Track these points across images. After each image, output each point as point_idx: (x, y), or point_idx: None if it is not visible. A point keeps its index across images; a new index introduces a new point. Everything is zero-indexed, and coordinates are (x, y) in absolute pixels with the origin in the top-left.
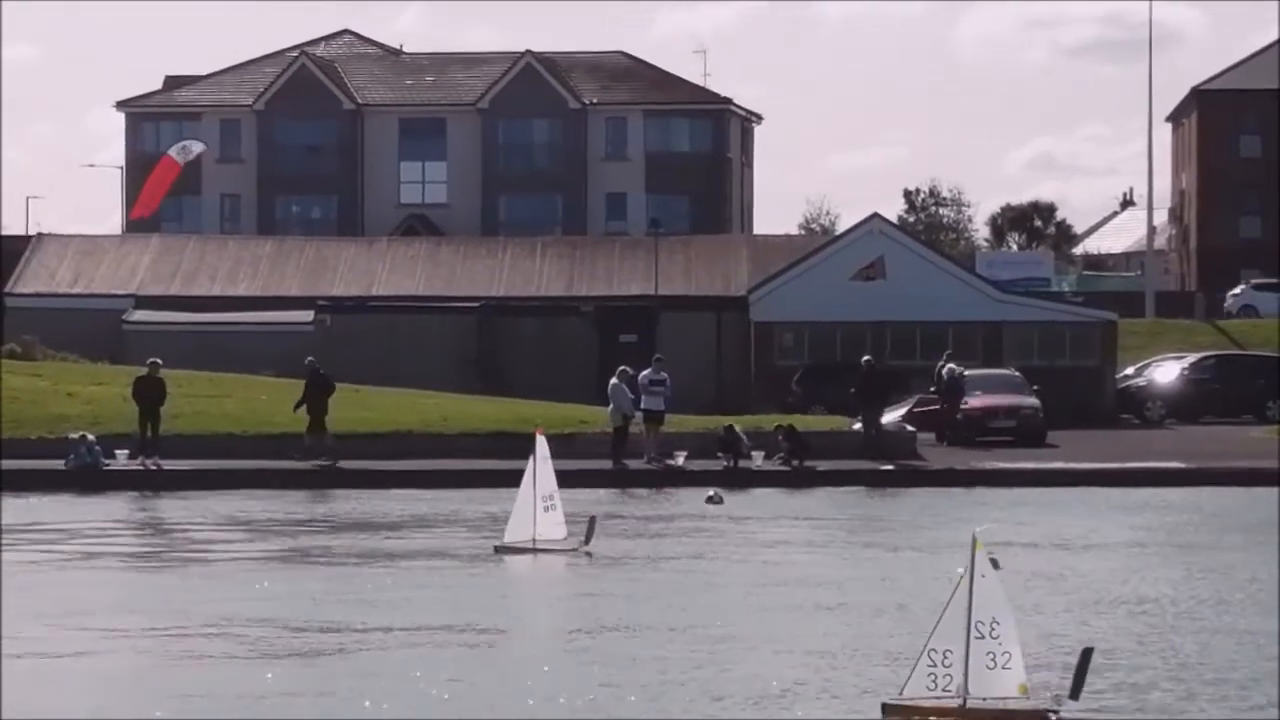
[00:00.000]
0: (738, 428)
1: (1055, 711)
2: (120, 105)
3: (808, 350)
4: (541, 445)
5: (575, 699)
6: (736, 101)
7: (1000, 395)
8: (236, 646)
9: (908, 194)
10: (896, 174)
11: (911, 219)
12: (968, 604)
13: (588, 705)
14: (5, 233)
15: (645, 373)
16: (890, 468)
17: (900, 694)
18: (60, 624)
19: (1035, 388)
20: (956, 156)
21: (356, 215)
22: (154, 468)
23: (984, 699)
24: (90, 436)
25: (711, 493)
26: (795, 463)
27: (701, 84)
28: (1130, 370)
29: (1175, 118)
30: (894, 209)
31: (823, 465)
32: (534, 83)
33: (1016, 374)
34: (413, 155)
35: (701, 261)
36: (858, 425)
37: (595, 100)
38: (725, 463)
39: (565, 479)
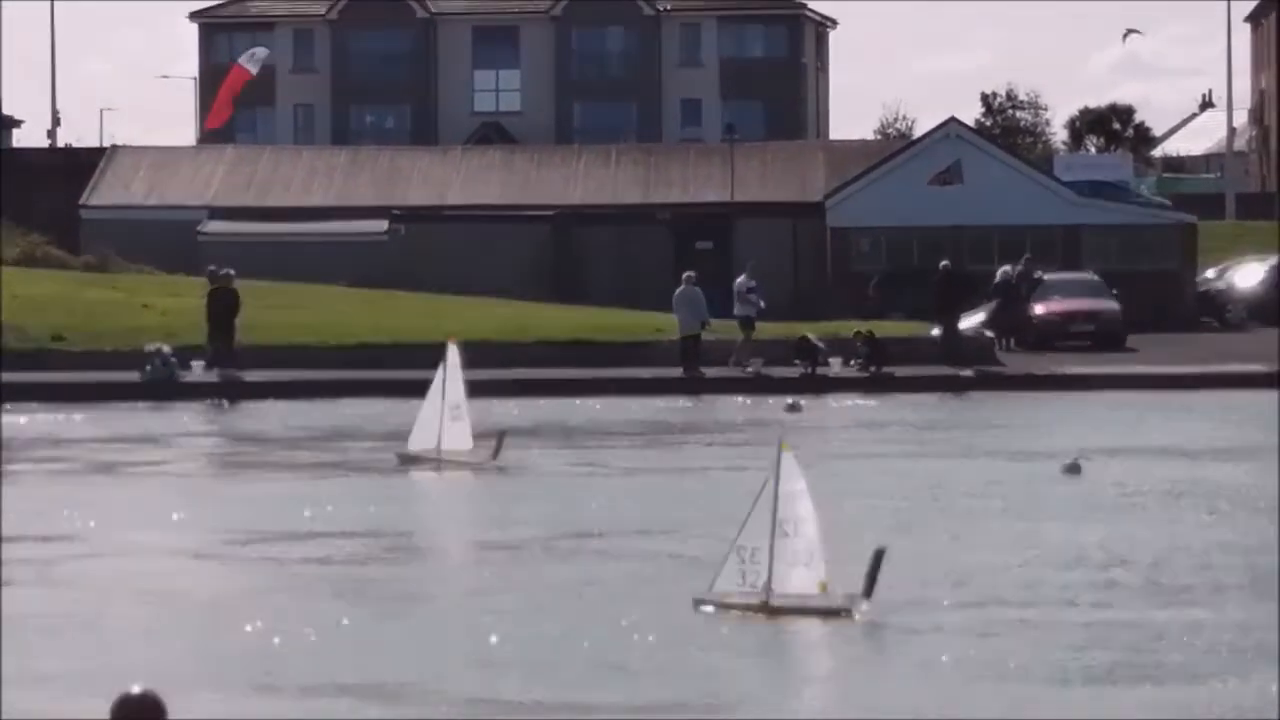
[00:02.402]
0: (813, 335)
1: (848, 609)
2: (194, 16)
3: (885, 256)
4: (453, 354)
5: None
6: (810, 6)
7: (1079, 299)
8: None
9: (985, 98)
10: (973, 78)
11: (989, 123)
12: (773, 504)
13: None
14: (80, 145)
15: (739, 279)
16: (969, 373)
17: (710, 589)
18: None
19: (1114, 291)
20: (1035, 59)
21: (430, 124)
22: (230, 379)
23: (786, 595)
24: (166, 348)
25: (790, 400)
26: (873, 369)
27: None
28: (1210, 273)
29: (1255, 18)
30: (971, 113)
31: (901, 371)
32: None
33: (1095, 278)
34: (486, 63)
35: (777, 168)
36: (936, 331)
37: (668, 7)
38: (802, 370)
39: (638, 386)
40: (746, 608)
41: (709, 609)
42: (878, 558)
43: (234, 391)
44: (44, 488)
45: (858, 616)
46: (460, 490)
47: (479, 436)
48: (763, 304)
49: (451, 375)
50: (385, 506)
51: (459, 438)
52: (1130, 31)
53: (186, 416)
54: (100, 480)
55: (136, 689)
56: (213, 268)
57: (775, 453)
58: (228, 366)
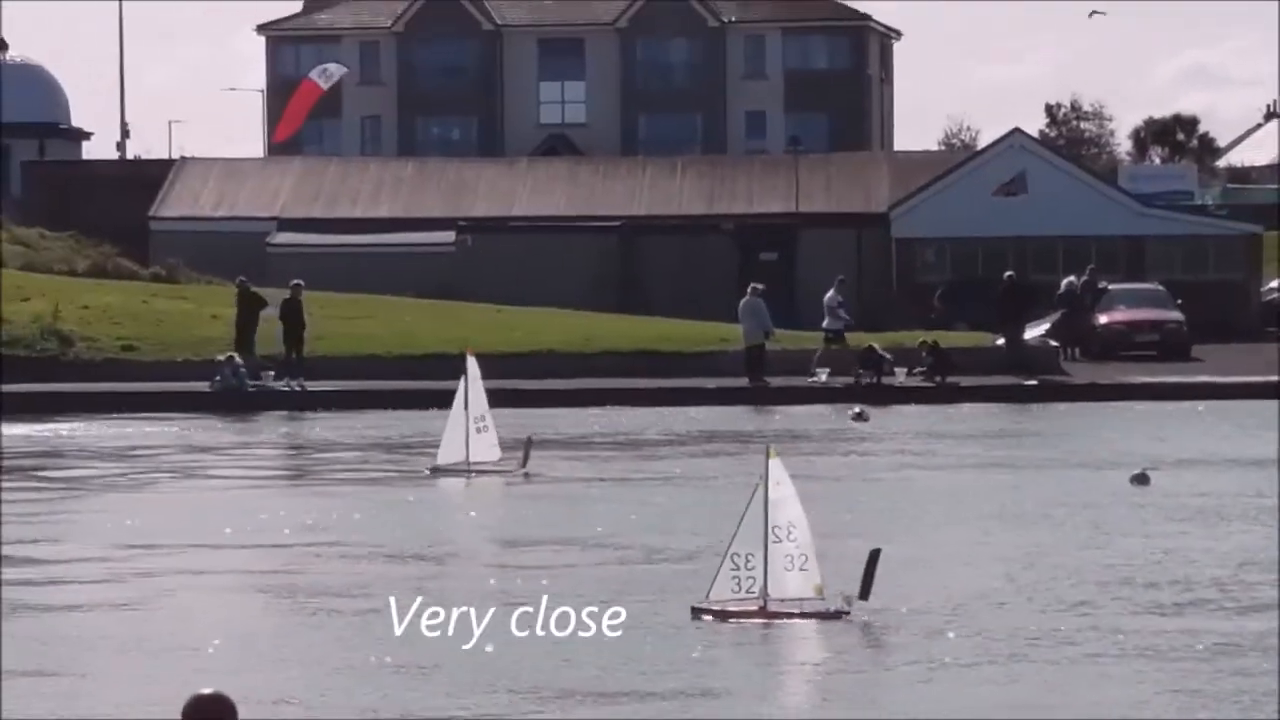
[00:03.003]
0: (879, 346)
1: (846, 611)
2: (261, 29)
3: (949, 266)
4: (472, 366)
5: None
6: (875, 18)
7: (1143, 309)
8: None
9: (1049, 109)
10: (1038, 89)
11: (1053, 134)
12: (764, 510)
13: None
14: (149, 157)
15: (829, 294)
16: (1033, 383)
17: (706, 598)
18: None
19: (1179, 302)
20: (1100, 70)
21: (496, 136)
22: (298, 389)
23: (782, 599)
24: (237, 358)
25: (858, 409)
26: (938, 379)
27: (840, 1)
28: (1275, 284)
29: None
30: (1035, 124)
31: (965, 381)
32: (672, 1)
33: (1160, 288)
34: (552, 75)
35: (842, 179)
36: (1000, 341)
37: (734, 18)
38: (868, 380)
39: (703, 397)
40: (744, 614)
41: (707, 617)
42: (873, 560)
43: (303, 401)
44: (135, 497)
45: (854, 617)
46: (481, 499)
47: (508, 447)
48: (849, 319)
49: (473, 387)
50: (393, 516)
51: (485, 448)
52: (1095, 13)
53: (247, 426)
54: (175, 489)
55: (208, 690)
56: (296, 282)
57: (765, 460)
58: (297, 376)
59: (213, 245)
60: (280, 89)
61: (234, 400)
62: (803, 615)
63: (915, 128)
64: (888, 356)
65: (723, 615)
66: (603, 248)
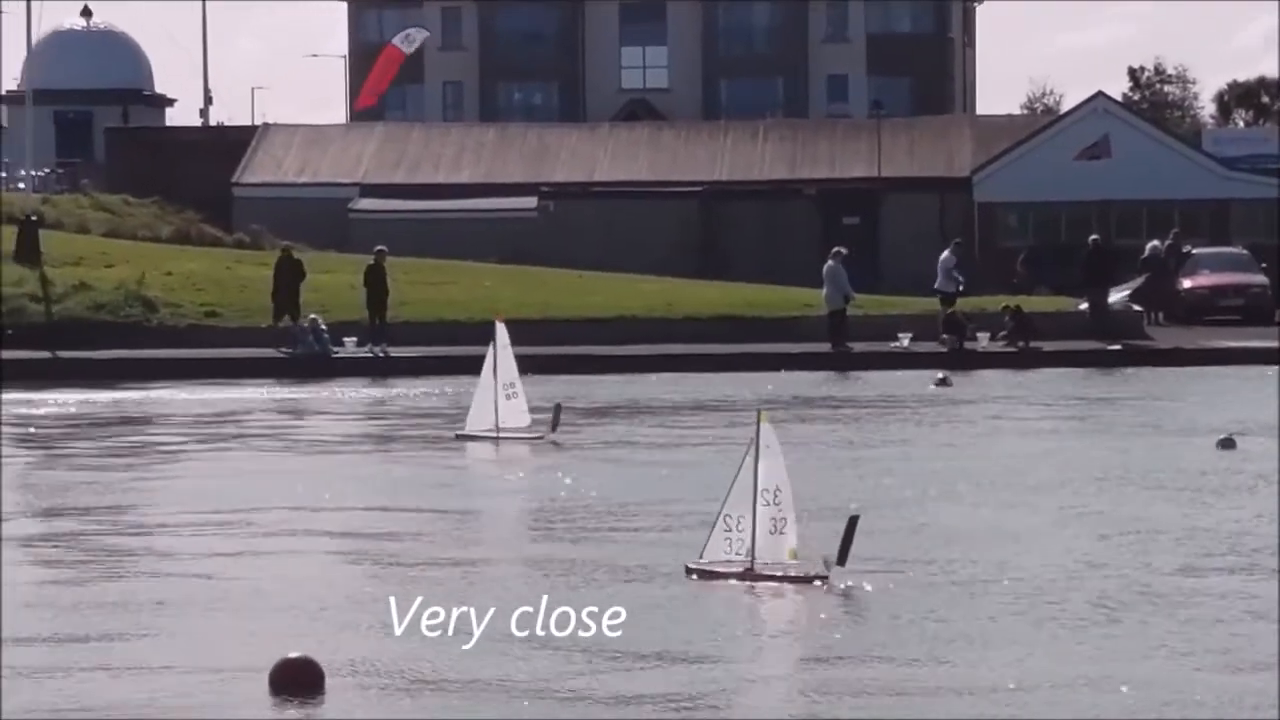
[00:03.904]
0: (961, 310)
1: (824, 576)
2: None
3: (1032, 231)
4: (501, 333)
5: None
6: None
7: (1227, 273)
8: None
9: (1132, 72)
10: (1121, 52)
11: (1136, 97)
12: (753, 473)
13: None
14: (231, 124)
15: (945, 255)
16: (1117, 348)
17: (700, 557)
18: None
19: (1263, 265)
20: (1183, 33)
21: (578, 101)
22: (382, 355)
23: (766, 562)
24: (321, 323)
25: (940, 375)
26: (1021, 344)
27: None
28: None
29: None
30: (1118, 88)
31: (1048, 346)
32: None
33: (1244, 252)
34: (633, 40)
35: (924, 143)
36: (1084, 305)
37: None
38: (950, 345)
39: (787, 361)
40: (730, 575)
41: (695, 577)
42: (851, 525)
43: (383, 367)
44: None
45: (832, 582)
46: (508, 464)
47: (537, 411)
48: (963, 281)
49: (502, 354)
50: (412, 480)
51: (515, 415)
52: None
53: (325, 391)
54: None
55: (295, 654)
56: (380, 248)
57: (756, 426)
58: (380, 342)
59: (295, 211)
60: (363, 55)
61: (317, 365)
62: (784, 579)
63: (998, 91)
64: (970, 321)
65: (710, 575)
66: (684, 213)
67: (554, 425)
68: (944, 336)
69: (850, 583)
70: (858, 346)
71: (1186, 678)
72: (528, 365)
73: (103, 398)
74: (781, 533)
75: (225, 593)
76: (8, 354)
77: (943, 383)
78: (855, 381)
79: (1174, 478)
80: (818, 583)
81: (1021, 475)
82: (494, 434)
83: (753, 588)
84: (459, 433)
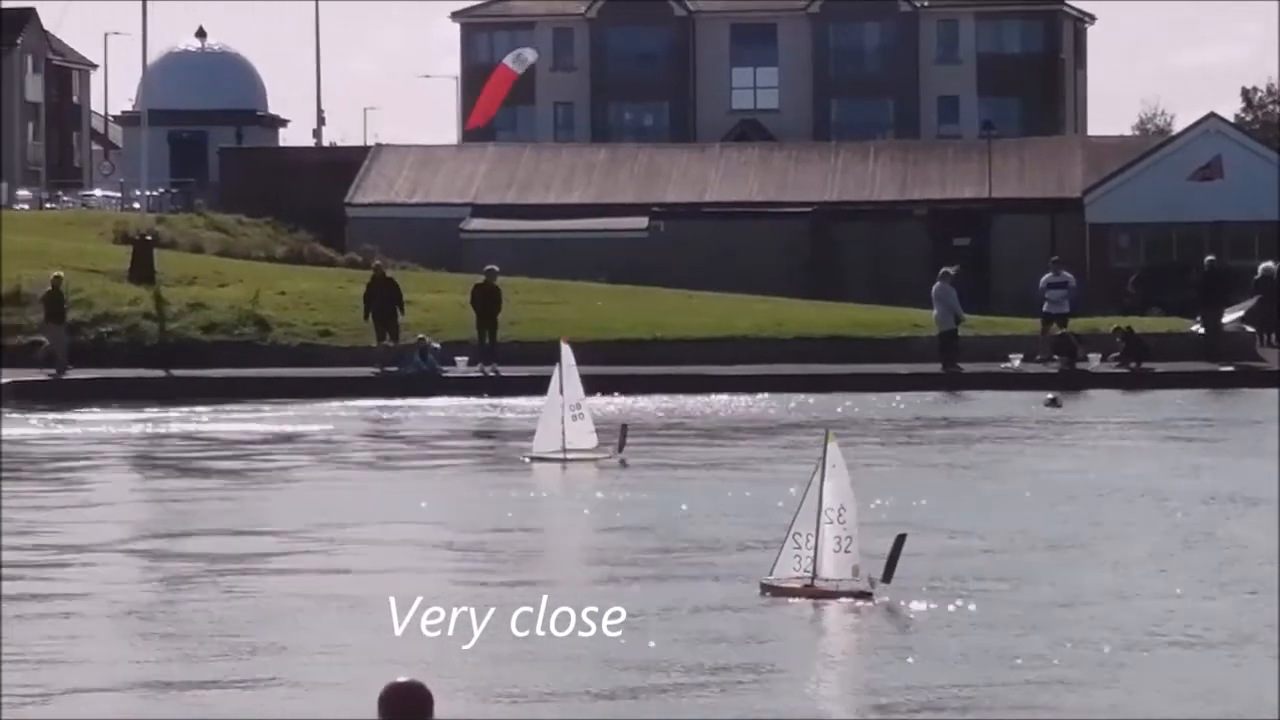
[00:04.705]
0: (1072, 331)
1: (869, 593)
2: (455, 16)
3: (1144, 251)
4: (567, 354)
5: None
6: (1069, 2)
7: None
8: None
9: (1245, 93)
10: (1234, 73)
11: (1249, 118)
12: (819, 493)
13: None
14: (344, 144)
15: (1045, 276)
16: (1230, 369)
17: (771, 574)
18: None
19: None
20: None
21: (688, 122)
22: (492, 374)
23: (829, 579)
24: (434, 344)
25: (1051, 396)
26: (1133, 365)
27: None
28: None
29: None
30: (1231, 108)
31: (1160, 367)
32: None
33: None
34: (744, 61)
35: (1035, 164)
36: (1197, 326)
37: (926, 3)
38: (1061, 365)
39: (896, 383)
40: (794, 591)
41: (768, 594)
42: (898, 543)
43: (494, 386)
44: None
45: (876, 600)
46: (574, 486)
47: (603, 432)
48: (1074, 297)
49: (568, 375)
50: (480, 499)
51: (582, 435)
52: None
53: (439, 411)
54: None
55: (404, 678)
56: (491, 267)
57: (823, 445)
58: (490, 362)
59: (407, 231)
60: (474, 75)
61: (428, 385)
62: (838, 595)
63: (1109, 112)
64: (1081, 343)
65: (777, 592)
66: (795, 233)
67: (620, 445)
68: (1054, 357)
69: (887, 599)
70: (968, 367)
71: None
72: (636, 385)
73: (215, 420)
74: (846, 551)
75: (332, 604)
76: (123, 372)
77: (1053, 403)
78: (968, 402)
79: None
80: (863, 600)
81: (1132, 499)
82: (561, 455)
83: (813, 604)
84: (529, 455)
